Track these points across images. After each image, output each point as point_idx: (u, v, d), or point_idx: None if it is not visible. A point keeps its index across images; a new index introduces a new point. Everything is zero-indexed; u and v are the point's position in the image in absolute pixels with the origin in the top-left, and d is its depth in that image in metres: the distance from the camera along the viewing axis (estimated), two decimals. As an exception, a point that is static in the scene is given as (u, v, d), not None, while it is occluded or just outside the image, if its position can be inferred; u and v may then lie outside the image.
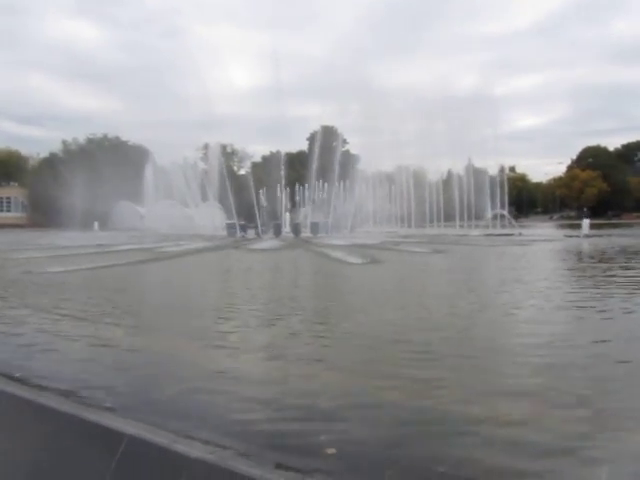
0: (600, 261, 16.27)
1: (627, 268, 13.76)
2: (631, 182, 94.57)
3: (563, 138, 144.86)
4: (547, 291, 9.51)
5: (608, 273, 12.54)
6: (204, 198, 54.95)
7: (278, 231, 38.78)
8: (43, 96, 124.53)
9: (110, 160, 63.16)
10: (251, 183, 46.79)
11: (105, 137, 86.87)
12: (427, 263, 17.88)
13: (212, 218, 48.86)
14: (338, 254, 20.47)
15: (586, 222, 34.05)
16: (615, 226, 50.13)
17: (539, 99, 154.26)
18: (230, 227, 40.61)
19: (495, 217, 47.19)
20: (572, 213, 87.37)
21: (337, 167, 56.11)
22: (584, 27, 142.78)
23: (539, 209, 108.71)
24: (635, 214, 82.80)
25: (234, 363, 5.22)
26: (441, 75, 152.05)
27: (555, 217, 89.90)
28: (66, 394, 4.14)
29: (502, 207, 48.54)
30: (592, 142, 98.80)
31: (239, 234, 38.54)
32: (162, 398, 4.19)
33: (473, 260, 18.47)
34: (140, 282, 13.46)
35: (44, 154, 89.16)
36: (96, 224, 56.43)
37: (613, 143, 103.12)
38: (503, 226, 46.12)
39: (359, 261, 17.57)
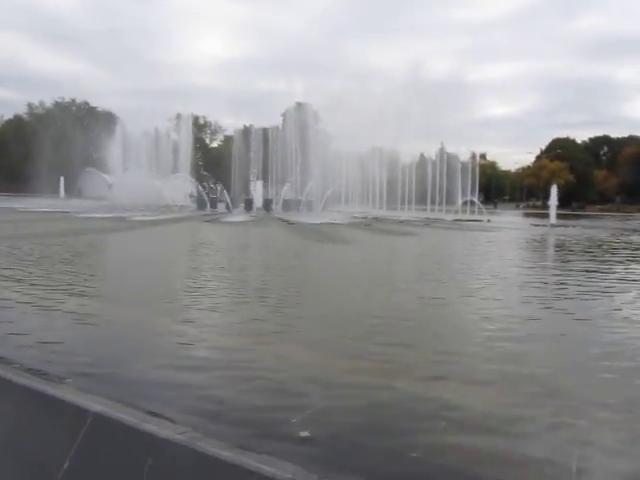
0: (567, 253, 16.49)
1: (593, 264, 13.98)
2: (596, 175, 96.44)
3: (533, 128, 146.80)
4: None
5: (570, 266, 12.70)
6: (175, 169, 53.93)
7: (249, 206, 38.35)
8: (7, 56, 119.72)
9: (78, 126, 61.39)
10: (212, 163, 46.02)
11: (73, 102, 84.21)
12: (396, 246, 17.89)
13: (182, 190, 48.03)
14: (305, 231, 20.32)
15: (553, 211, 34.67)
16: (580, 217, 51.18)
17: (511, 89, 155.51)
18: (200, 200, 40.04)
19: (465, 203, 47.61)
20: (538, 202, 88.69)
21: (311, 145, 55.71)
22: (557, 20, 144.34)
23: (507, 197, 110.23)
24: (598, 206, 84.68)
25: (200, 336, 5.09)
26: (416, 58, 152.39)
27: (522, 205, 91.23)
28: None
29: (472, 193, 49.01)
30: (561, 134, 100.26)
31: (209, 208, 38.05)
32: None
33: (441, 246, 18.55)
34: (107, 252, 13.12)
35: (8, 116, 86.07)
36: (62, 191, 54.91)
37: (581, 136, 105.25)
38: (472, 212, 46.61)
39: (328, 240, 17.48)
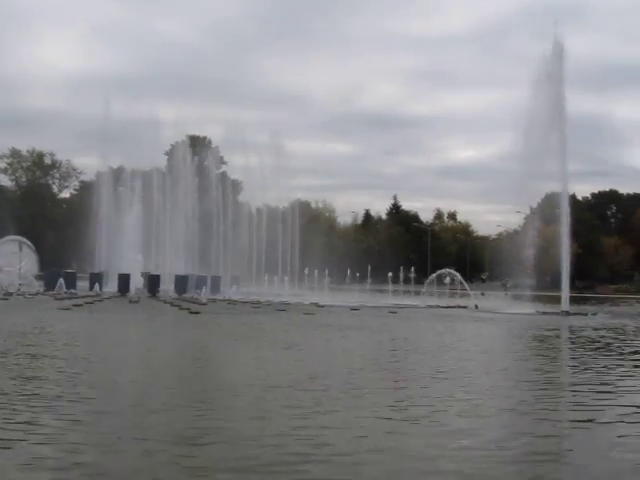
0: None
1: None
2: (605, 244, 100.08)
3: (512, 179, 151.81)
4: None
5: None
6: (5, 230, 51.73)
7: (125, 286, 36.85)
8: None
9: None
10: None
11: None
12: (371, 352, 17.17)
13: (17, 262, 45.84)
14: (221, 327, 19.29)
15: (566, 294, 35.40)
16: (594, 300, 52.69)
17: (479, 125, 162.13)
18: (49, 278, 38.39)
19: (441, 279, 48.03)
20: (530, 281, 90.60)
21: (212, 195, 55.34)
22: (535, 39, 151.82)
23: (485, 274, 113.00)
24: (612, 286, 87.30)
25: None
26: (352, 81, 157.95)
27: (509, 285, 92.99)
28: None
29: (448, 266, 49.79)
30: (551, 187, 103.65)
31: (64, 289, 36.21)
32: None
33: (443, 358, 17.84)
34: None
35: None
36: None
37: (580, 191, 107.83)
38: (453, 294, 47.16)
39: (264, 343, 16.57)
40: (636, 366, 13.84)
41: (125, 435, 6.82)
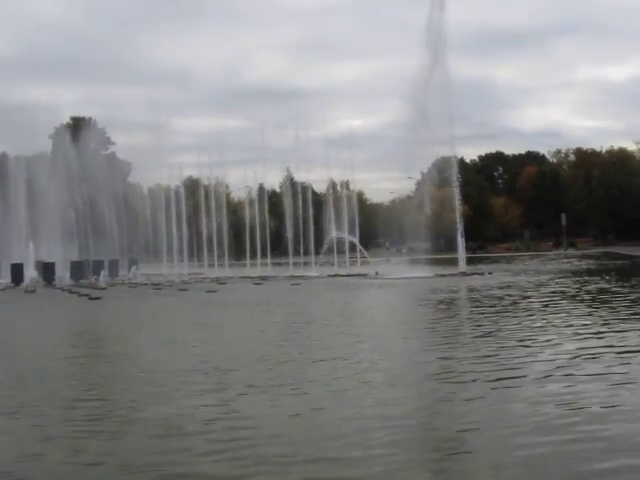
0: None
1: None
2: (494, 204, 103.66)
3: (401, 145, 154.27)
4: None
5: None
6: None
7: (18, 276, 35.89)
8: None
9: None
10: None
11: None
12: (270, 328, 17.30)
13: None
14: (123, 312, 19.02)
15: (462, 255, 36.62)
16: (488, 260, 54.56)
17: (365, 94, 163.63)
18: None
19: (339, 246, 48.54)
20: (425, 245, 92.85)
21: (104, 177, 54.06)
22: (414, 8, 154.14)
23: (381, 240, 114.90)
24: (503, 245, 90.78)
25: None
26: (237, 55, 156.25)
27: (404, 250, 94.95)
28: None
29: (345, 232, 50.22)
30: (437, 152, 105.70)
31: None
32: None
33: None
34: None
35: None
36: None
37: (466, 154, 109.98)
38: (353, 261, 47.77)
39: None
40: (547, 322, 14.27)
41: (37, 436, 6.42)
